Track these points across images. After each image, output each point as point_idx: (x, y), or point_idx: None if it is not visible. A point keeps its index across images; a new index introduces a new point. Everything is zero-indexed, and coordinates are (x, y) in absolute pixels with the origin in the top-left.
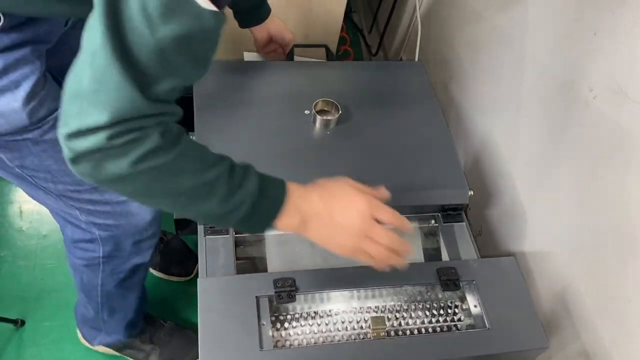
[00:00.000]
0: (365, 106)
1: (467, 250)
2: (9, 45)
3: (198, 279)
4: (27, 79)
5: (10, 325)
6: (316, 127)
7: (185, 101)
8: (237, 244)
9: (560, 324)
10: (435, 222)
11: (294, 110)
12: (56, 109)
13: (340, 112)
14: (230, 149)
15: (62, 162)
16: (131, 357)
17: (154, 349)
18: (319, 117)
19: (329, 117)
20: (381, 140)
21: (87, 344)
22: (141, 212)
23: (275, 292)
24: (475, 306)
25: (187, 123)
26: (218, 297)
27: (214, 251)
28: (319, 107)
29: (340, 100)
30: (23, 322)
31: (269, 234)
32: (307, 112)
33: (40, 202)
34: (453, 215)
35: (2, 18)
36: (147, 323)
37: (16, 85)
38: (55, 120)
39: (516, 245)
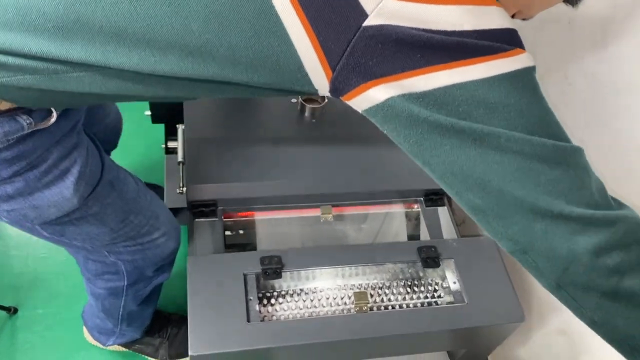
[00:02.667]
0: None
1: (449, 232)
2: (59, 137)
3: (188, 257)
4: (75, 164)
5: (4, 313)
6: (303, 115)
7: None
8: (226, 228)
9: (540, 304)
10: (418, 207)
11: (281, 99)
12: (98, 182)
13: (326, 100)
14: (219, 138)
15: (103, 226)
16: (140, 352)
17: (162, 342)
18: (305, 106)
19: (315, 106)
20: (366, 129)
21: (97, 344)
22: (167, 243)
23: (262, 269)
24: (454, 282)
25: (177, 115)
26: (207, 274)
27: (203, 233)
28: (305, 96)
29: None
30: (16, 310)
31: (259, 217)
32: (293, 100)
33: (61, 247)
34: (435, 200)
35: (53, 112)
36: (155, 317)
37: (65, 172)
38: (98, 193)
39: None
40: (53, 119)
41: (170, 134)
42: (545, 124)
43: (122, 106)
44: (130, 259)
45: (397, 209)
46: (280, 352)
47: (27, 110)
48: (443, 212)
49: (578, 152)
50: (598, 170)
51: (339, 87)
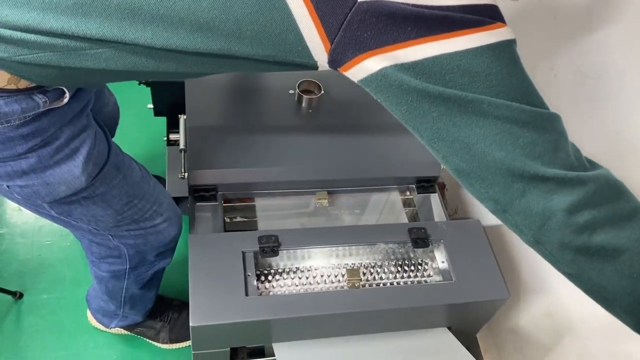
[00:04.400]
0: (346, 86)
1: (439, 217)
2: (70, 117)
3: (189, 235)
4: (84, 144)
5: (9, 297)
6: (300, 106)
7: (177, 85)
8: (226, 211)
9: (527, 288)
10: (411, 194)
11: (280, 90)
12: (105, 163)
13: (323, 91)
14: (219, 126)
15: (108, 208)
16: (142, 335)
17: (163, 326)
18: (302, 96)
19: (312, 96)
20: (361, 118)
21: (100, 327)
22: (168, 229)
23: (260, 247)
24: (442, 262)
25: (179, 107)
26: (207, 251)
27: (204, 216)
28: (302, 87)
29: (322, 80)
30: (21, 295)
31: (257, 202)
32: (291, 91)
33: (68, 229)
34: (427, 187)
35: (66, 92)
36: (157, 302)
37: (75, 151)
38: (105, 175)
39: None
40: (66, 99)
41: (172, 127)
42: (525, 92)
43: (125, 100)
44: (132, 243)
45: (390, 196)
46: (276, 324)
47: (42, 89)
48: (434, 198)
49: (555, 118)
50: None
51: (337, 58)
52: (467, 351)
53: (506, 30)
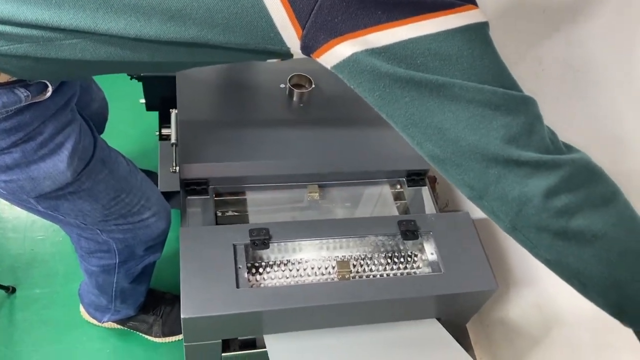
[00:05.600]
0: (336, 80)
1: (429, 210)
2: (54, 111)
3: (180, 228)
4: (69, 138)
5: (2, 292)
6: (291, 100)
7: (169, 80)
8: (217, 205)
9: (516, 280)
10: (401, 187)
11: (271, 84)
12: (91, 158)
13: (314, 85)
14: (211, 121)
15: (95, 203)
16: (135, 329)
17: (156, 320)
18: (293, 90)
19: (302, 90)
20: (352, 112)
21: (93, 321)
22: (157, 223)
23: (251, 240)
24: (431, 254)
25: (171, 102)
26: (198, 243)
27: (195, 209)
28: (293, 81)
29: (313, 74)
30: (14, 289)
31: (249, 195)
32: (282, 85)
33: (56, 224)
34: (417, 180)
35: (49, 86)
36: (149, 296)
37: (60, 146)
38: (91, 169)
39: (479, 215)
40: (48, 93)
41: (164, 122)
42: (497, 75)
43: (117, 95)
44: (121, 237)
45: (381, 189)
46: (266, 316)
47: (24, 83)
48: (424, 191)
49: (529, 101)
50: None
51: (309, 44)
52: (456, 342)
53: (477, 13)
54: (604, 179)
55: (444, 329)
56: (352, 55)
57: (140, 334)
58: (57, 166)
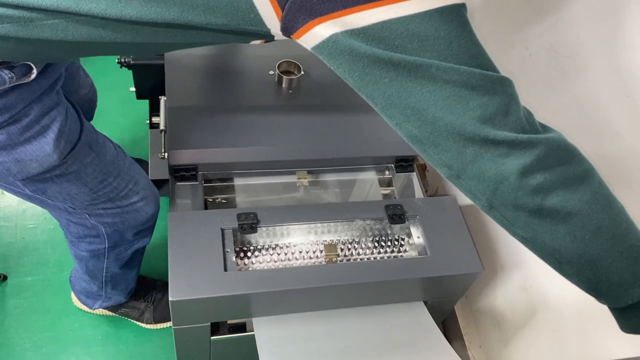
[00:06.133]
0: (325, 66)
1: (417, 195)
2: (39, 94)
3: (168, 213)
4: (55, 121)
5: None
6: (279, 86)
7: (159, 68)
8: (206, 192)
9: (503, 264)
10: (389, 173)
11: (259, 71)
12: (77, 141)
13: (302, 72)
14: (200, 107)
15: (83, 186)
16: (126, 316)
17: (147, 306)
18: (282, 77)
19: (291, 77)
20: (341, 98)
21: (85, 308)
22: (145, 208)
23: (239, 225)
24: (418, 237)
25: (161, 90)
26: (186, 229)
27: (184, 196)
28: (282, 68)
29: (302, 61)
30: (5, 277)
31: (238, 182)
32: (271, 72)
33: (44, 208)
34: (405, 166)
35: (34, 68)
36: (140, 283)
37: (46, 129)
38: (78, 152)
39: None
40: (33, 75)
41: (155, 110)
42: (474, 55)
43: (107, 83)
44: (110, 221)
45: (370, 175)
46: (254, 298)
47: (8, 65)
48: (413, 177)
49: (505, 81)
50: (564, 131)
51: (289, 25)
52: (438, 330)
53: None
54: (579, 158)
55: (428, 314)
56: (331, 36)
57: (132, 320)
58: (43, 148)
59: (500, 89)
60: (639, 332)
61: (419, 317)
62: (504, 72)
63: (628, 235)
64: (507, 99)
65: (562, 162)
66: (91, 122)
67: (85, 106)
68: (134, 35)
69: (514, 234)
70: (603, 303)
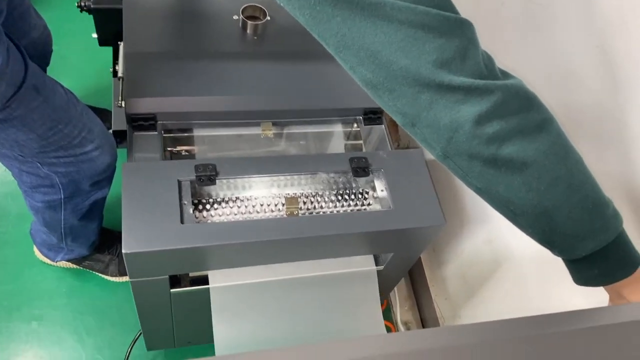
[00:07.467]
0: None
1: (385, 148)
2: None
3: (123, 164)
4: None
5: None
6: (244, 32)
7: (119, 12)
8: (166, 142)
9: (469, 218)
10: (358, 126)
11: (223, 15)
12: (21, 84)
13: (268, 17)
14: (159, 53)
15: (30, 132)
16: (90, 269)
17: (112, 259)
18: (247, 22)
19: (256, 22)
20: (308, 46)
21: (47, 261)
22: (101, 157)
23: (196, 176)
24: (382, 190)
25: (118, 33)
26: (141, 179)
27: (142, 146)
28: (247, 13)
29: (268, 5)
30: None
31: (198, 132)
32: (235, 17)
33: None
34: (373, 119)
35: None
36: (104, 235)
37: None
38: (22, 96)
39: None
40: None
41: (118, 57)
42: None
43: (68, 30)
44: (64, 171)
45: (338, 127)
46: (212, 251)
47: None
48: (381, 130)
49: (465, 23)
50: (534, 82)
51: None
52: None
53: None
54: (538, 106)
55: (376, 283)
56: None
57: (96, 273)
58: None
59: (458, 31)
60: (591, 285)
61: (366, 287)
62: (481, 21)
63: (584, 186)
64: (465, 42)
65: (519, 110)
66: (49, 68)
67: (39, 50)
68: None
69: (468, 184)
70: (557, 255)
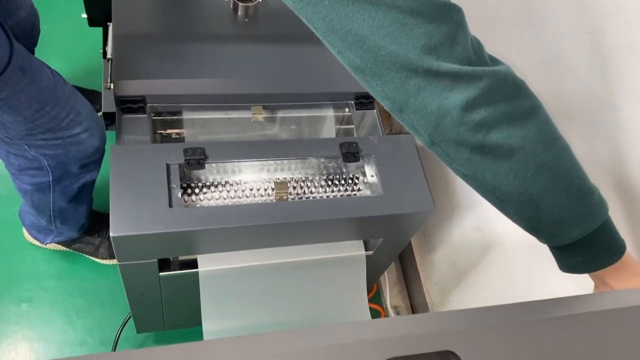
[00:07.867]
0: None
1: (376, 133)
2: None
3: (111, 146)
4: None
5: None
6: (235, 14)
7: None
8: (155, 125)
9: (459, 205)
10: (349, 110)
11: None
12: (6, 65)
13: None
14: (149, 34)
15: (16, 114)
16: (80, 251)
17: (102, 242)
18: (238, 4)
19: (248, 4)
20: (301, 29)
21: (36, 243)
22: (90, 140)
23: (185, 160)
24: (372, 176)
25: (108, 14)
26: (129, 162)
27: (131, 128)
28: None
29: None
30: None
31: (188, 116)
32: None
33: None
34: (365, 103)
35: None
36: (94, 218)
37: None
38: (7, 77)
39: None
40: None
41: (108, 38)
42: None
43: (57, 10)
44: (51, 153)
45: (329, 112)
46: (200, 235)
47: None
48: (372, 115)
49: (453, 8)
50: (524, 69)
51: None
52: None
53: None
54: (526, 93)
55: (364, 269)
56: None
57: (86, 255)
58: None
59: (447, 16)
60: (576, 271)
61: (354, 272)
62: (467, 6)
63: (570, 173)
64: (454, 27)
65: (507, 96)
66: (37, 49)
67: (26, 30)
68: None
69: (455, 170)
70: (543, 242)
